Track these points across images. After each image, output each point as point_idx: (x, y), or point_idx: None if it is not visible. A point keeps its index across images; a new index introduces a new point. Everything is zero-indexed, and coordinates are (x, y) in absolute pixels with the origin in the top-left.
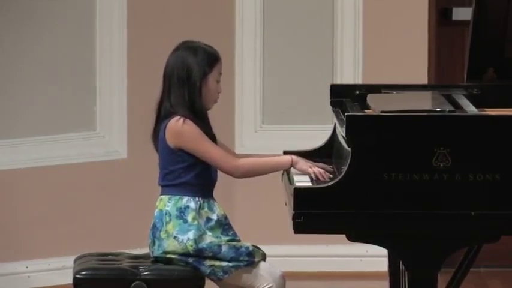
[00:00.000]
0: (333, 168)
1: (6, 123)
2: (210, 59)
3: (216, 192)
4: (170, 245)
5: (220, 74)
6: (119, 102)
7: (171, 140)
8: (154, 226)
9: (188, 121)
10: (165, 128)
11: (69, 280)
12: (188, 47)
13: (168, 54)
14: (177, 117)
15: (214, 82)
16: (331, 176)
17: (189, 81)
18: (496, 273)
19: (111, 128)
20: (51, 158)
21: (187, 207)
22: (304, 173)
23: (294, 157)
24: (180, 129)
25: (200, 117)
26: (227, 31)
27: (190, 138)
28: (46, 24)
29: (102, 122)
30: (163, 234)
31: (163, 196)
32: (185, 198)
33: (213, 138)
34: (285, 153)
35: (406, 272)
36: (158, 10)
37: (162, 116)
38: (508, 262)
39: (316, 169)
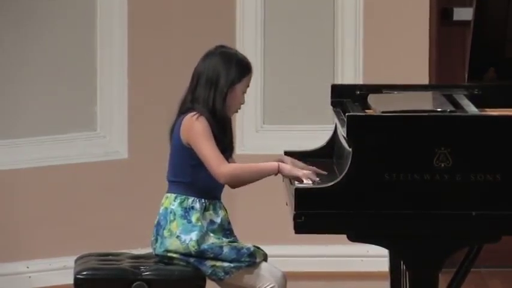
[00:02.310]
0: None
1: (7, 123)
2: (242, 69)
3: None
4: (172, 244)
5: (248, 86)
6: (119, 102)
7: (183, 135)
8: (158, 223)
9: (202, 118)
10: (181, 122)
11: (70, 280)
12: (224, 53)
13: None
14: (193, 113)
15: (241, 92)
16: (322, 174)
17: (217, 87)
18: (496, 273)
19: (112, 128)
20: (52, 158)
21: (192, 207)
22: (294, 176)
23: (281, 164)
24: (192, 124)
25: (218, 121)
26: (228, 31)
27: (195, 134)
28: (46, 24)
29: (103, 122)
30: (166, 233)
31: (169, 194)
32: (191, 199)
33: (230, 147)
34: (285, 153)
35: (406, 272)
36: (159, 10)
37: (182, 111)
38: (508, 262)
39: (306, 171)
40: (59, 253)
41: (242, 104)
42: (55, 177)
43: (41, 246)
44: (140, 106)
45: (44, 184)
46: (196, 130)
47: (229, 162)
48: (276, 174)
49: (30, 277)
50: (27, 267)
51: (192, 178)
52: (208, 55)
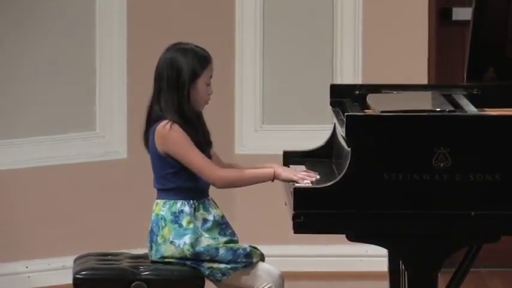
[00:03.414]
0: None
1: (6, 123)
2: (200, 61)
3: (215, 193)
4: (167, 249)
5: (211, 76)
6: (118, 102)
7: (158, 145)
8: (151, 231)
9: (175, 126)
10: (154, 132)
11: (69, 280)
12: (178, 49)
13: None
14: (164, 122)
15: (204, 85)
16: (317, 176)
17: (178, 85)
18: (496, 273)
19: (111, 128)
20: (51, 158)
21: (182, 211)
22: (290, 180)
23: (277, 169)
24: (167, 135)
25: (190, 122)
26: (227, 31)
27: (176, 145)
28: (46, 24)
29: (102, 122)
30: (160, 239)
31: (158, 200)
32: (179, 202)
33: (206, 143)
34: (285, 153)
35: (406, 272)
36: (158, 10)
37: (152, 119)
38: (508, 262)
39: (300, 174)
40: (58, 253)
41: (210, 94)
42: (54, 177)
43: (40, 246)
44: (139, 106)
45: (43, 184)
46: (175, 141)
47: (210, 157)
48: (272, 180)
49: (29, 277)
50: (27, 267)
51: (176, 183)
52: (165, 53)
